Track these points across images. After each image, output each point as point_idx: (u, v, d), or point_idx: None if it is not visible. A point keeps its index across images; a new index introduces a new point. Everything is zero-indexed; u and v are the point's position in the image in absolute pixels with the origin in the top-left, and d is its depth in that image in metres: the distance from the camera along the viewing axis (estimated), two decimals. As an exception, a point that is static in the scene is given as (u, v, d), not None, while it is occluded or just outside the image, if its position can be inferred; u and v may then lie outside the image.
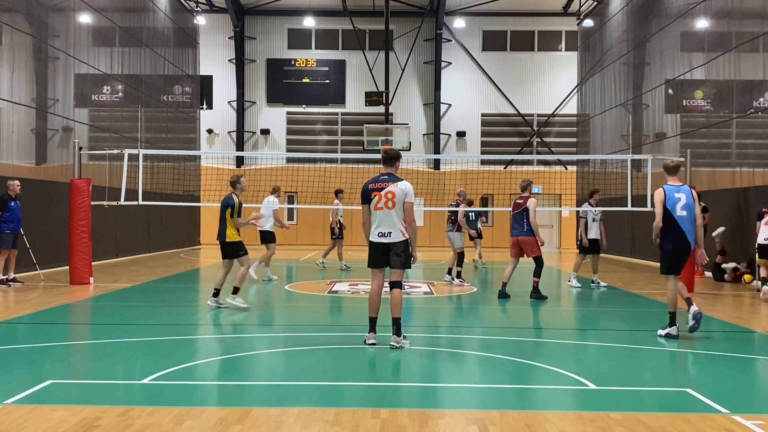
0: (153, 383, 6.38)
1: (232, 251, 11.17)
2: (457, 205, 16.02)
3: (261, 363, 7.59)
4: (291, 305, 12.75)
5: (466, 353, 8.11)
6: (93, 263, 15.17)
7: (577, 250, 15.32)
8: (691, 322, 8.89)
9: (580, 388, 6.47)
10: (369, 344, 8.13)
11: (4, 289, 13.42)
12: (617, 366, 7.75)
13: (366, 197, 8.16)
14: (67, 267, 14.98)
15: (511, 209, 13.23)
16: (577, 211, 15.87)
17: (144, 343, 8.45)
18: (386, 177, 8.19)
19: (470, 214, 17.77)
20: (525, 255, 12.94)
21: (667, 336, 8.99)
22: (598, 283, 14.98)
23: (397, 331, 8.09)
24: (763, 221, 13.52)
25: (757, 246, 13.58)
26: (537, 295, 12.84)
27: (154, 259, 22.53)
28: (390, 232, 8.05)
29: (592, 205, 14.82)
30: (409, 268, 8.24)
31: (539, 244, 12.77)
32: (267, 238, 16.20)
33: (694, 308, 8.92)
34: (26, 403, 5.63)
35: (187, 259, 22.94)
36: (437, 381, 6.82)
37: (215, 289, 11.36)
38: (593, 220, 14.76)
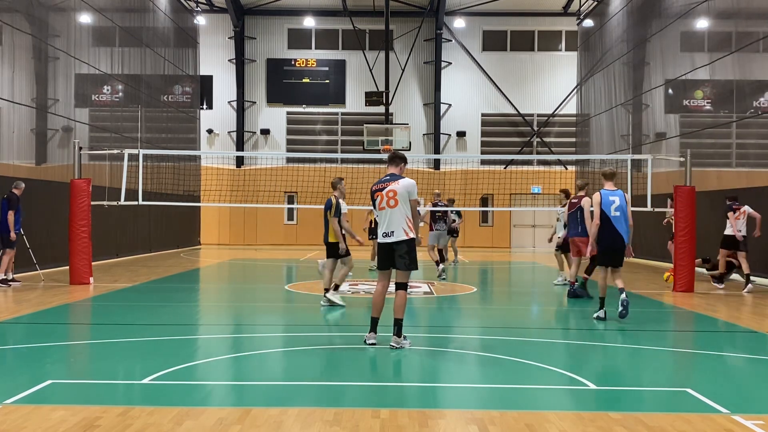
0: (153, 383, 6.38)
1: (334, 251, 11.32)
2: (435, 205, 16.98)
3: (261, 363, 7.59)
4: (291, 305, 12.75)
5: (466, 353, 8.10)
6: (93, 263, 15.17)
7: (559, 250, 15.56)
8: (620, 309, 9.96)
9: (580, 388, 6.47)
10: (369, 344, 8.08)
11: (5, 289, 13.43)
12: (617, 366, 7.75)
13: (372, 200, 8.21)
14: (67, 267, 14.98)
15: (566, 209, 13.27)
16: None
17: (144, 343, 8.45)
18: (388, 177, 8.15)
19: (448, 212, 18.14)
20: (582, 254, 12.85)
21: (597, 318, 10.20)
22: (564, 278, 15.33)
23: (398, 332, 8.02)
24: (735, 215, 14.06)
25: (723, 237, 14.24)
26: (581, 291, 12.78)
27: (154, 259, 22.53)
28: (393, 231, 7.93)
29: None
30: (416, 269, 8.14)
31: (590, 245, 12.68)
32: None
33: (622, 296, 10.00)
34: (26, 403, 5.63)
35: (187, 259, 22.94)
36: (437, 381, 6.81)
37: (325, 289, 11.49)
38: (557, 219, 15.26)
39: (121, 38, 23.24)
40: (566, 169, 31.29)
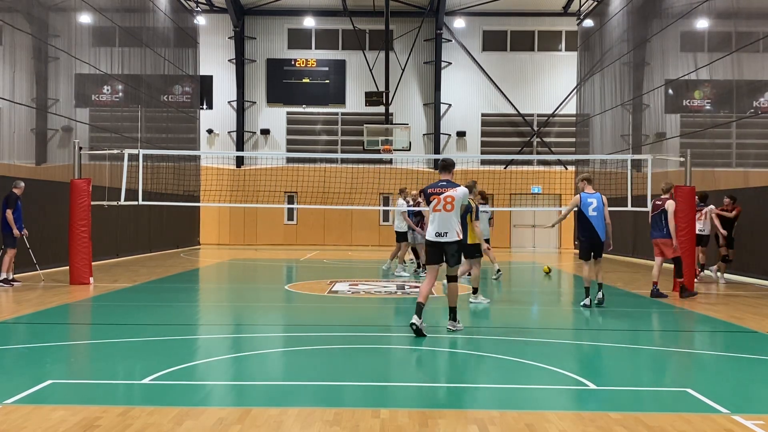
0: (153, 383, 6.38)
1: (469, 252, 11.64)
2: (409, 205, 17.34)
3: (261, 363, 7.59)
4: (291, 305, 12.75)
5: (466, 353, 8.11)
6: (93, 263, 15.16)
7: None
8: (600, 296, 11.64)
9: (580, 388, 6.47)
10: (411, 323, 8.67)
11: (5, 289, 13.43)
12: (617, 366, 7.75)
13: (426, 200, 9.06)
14: (67, 267, 14.98)
15: (650, 210, 13.45)
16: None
17: (144, 343, 8.45)
18: (444, 183, 9.03)
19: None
20: (664, 255, 13.16)
21: (583, 306, 11.56)
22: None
23: (453, 317, 9.09)
24: (697, 216, 15.04)
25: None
26: (687, 293, 12.97)
27: (154, 259, 22.53)
28: (446, 232, 8.84)
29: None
30: (459, 263, 9.07)
31: (675, 246, 13.01)
32: (400, 237, 17.14)
33: (600, 295, 11.71)
34: (26, 403, 5.64)
35: (187, 259, 22.94)
36: (437, 381, 6.82)
37: (473, 288, 12.05)
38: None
39: (121, 38, 23.24)
40: (566, 169, 31.30)
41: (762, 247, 15.72)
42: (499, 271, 16.38)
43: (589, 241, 11.70)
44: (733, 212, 15.59)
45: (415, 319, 8.67)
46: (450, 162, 9.34)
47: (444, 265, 8.98)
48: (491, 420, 5.34)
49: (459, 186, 9.03)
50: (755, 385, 6.77)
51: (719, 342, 9.44)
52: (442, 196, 8.88)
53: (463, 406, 5.91)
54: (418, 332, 8.62)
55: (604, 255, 11.95)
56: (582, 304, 11.61)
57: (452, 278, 9.07)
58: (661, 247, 13.08)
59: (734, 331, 9.82)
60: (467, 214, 11.48)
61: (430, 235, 8.93)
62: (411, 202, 17.19)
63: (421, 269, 17.07)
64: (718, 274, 15.95)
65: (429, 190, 9.03)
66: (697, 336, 9.97)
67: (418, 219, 16.84)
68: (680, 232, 14.22)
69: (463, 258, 10.67)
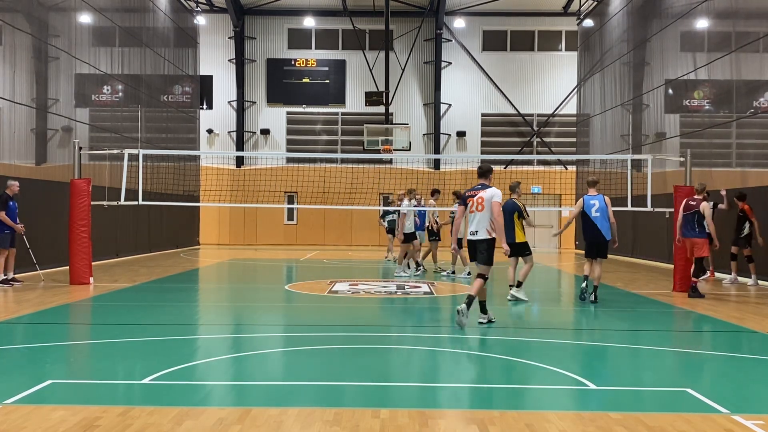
0: (153, 383, 6.38)
1: (518, 250, 12.13)
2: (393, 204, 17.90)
3: (261, 363, 7.59)
4: (291, 305, 12.75)
5: (466, 353, 8.11)
6: (93, 263, 15.16)
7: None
8: (591, 298, 12.19)
9: (580, 388, 6.47)
10: (458, 308, 9.35)
11: (5, 289, 13.43)
12: (617, 366, 7.75)
13: (463, 201, 9.90)
14: (67, 267, 14.98)
15: (681, 210, 13.53)
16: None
17: (144, 343, 8.45)
18: (479, 186, 9.81)
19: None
20: (692, 254, 13.35)
21: (581, 292, 12.31)
22: (450, 272, 16.77)
23: (483, 310, 9.76)
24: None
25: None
26: (695, 293, 13.12)
27: (154, 259, 22.53)
28: (477, 231, 9.60)
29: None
30: (491, 264, 9.60)
31: (712, 245, 13.25)
32: (407, 237, 17.11)
33: (594, 292, 12.25)
34: (26, 403, 5.63)
35: (187, 259, 22.94)
36: (437, 381, 6.82)
37: (510, 285, 12.45)
38: (436, 216, 16.91)
39: (121, 38, 23.24)
40: (566, 169, 31.29)
41: (762, 247, 15.71)
42: (469, 273, 16.40)
43: (592, 241, 12.17)
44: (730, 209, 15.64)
45: (461, 307, 9.38)
46: (486, 168, 9.97)
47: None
48: (491, 420, 5.34)
49: (491, 188, 9.67)
50: (755, 385, 6.77)
51: (719, 342, 9.44)
52: (475, 198, 9.67)
53: (463, 406, 5.91)
54: (461, 319, 9.34)
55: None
56: (581, 287, 12.40)
57: (480, 275, 9.58)
58: (694, 246, 13.26)
59: (734, 331, 9.81)
60: (514, 213, 12.03)
61: (469, 234, 9.74)
62: (415, 203, 17.22)
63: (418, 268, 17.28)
64: (753, 277, 15.45)
65: (467, 193, 9.85)
66: (697, 336, 9.97)
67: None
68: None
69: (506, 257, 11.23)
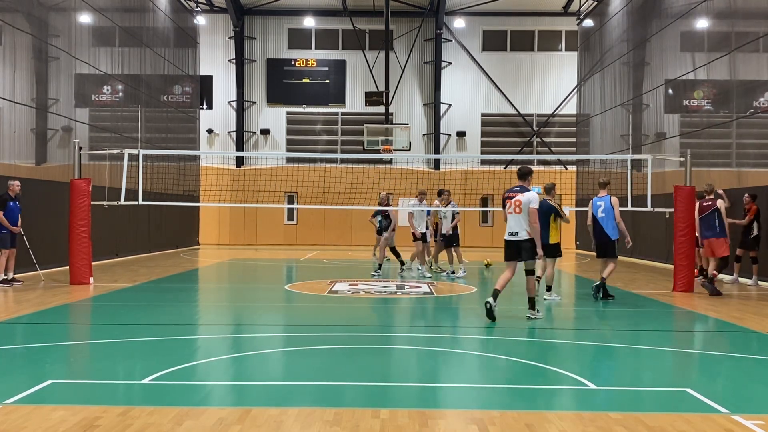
0: (153, 383, 6.38)
1: (550, 251, 12.22)
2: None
3: (261, 363, 7.59)
4: (291, 305, 12.75)
5: (466, 353, 8.11)
6: (93, 263, 15.15)
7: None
8: (593, 293, 12.60)
9: (580, 388, 6.47)
10: (486, 303, 9.86)
11: (5, 289, 13.43)
12: (617, 366, 7.75)
13: (503, 203, 10.29)
14: (67, 267, 14.98)
15: (697, 212, 13.76)
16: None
17: (144, 343, 8.45)
18: (518, 188, 10.15)
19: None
20: (714, 254, 13.58)
21: (594, 293, 12.56)
22: (458, 274, 16.49)
23: (531, 306, 10.19)
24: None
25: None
26: (712, 288, 13.34)
27: (153, 259, 22.53)
28: (517, 232, 9.96)
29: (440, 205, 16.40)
30: (538, 259, 10.18)
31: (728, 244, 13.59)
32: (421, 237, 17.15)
33: (597, 285, 12.61)
34: (26, 403, 5.64)
35: (187, 259, 22.94)
36: (437, 381, 6.82)
37: (547, 285, 12.58)
38: (443, 217, 16.44)
39: (121, 38, 23.24)
40: (566, 169, 31.29)
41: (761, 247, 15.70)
42: (453, 272, 16.70)
43: (599, 241, 12.58)
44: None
45: (490, 299, 9.85)
46: (526, 170, 10.40)
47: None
48: (491, 420, 5.34)
49: (529, 191, 10.03)
50: (755, 385, 6.77)
51: (719, 342, 9.44)
52: (513, 200, 10.01)
53: (463, 406, 5.91)
54: (490, 312, 9.75)
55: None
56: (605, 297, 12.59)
57: (528, 272, 10.12)
58: (713, 246, 13.44)
59: (734, 331, 9.82)
60: (551, 215, 12.18)
61: (506, 234, 10.11)
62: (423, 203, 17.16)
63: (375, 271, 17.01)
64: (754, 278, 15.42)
65: (505, 195, 10.22)
66: (697, 336, 9.97)
67: (388, 221, 17.03)
68: (679, 233, 14.26)
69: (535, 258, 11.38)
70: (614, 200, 12.40)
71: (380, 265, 17.19)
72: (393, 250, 17.45)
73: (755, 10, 18.74)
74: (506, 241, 10.14)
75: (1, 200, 13.79)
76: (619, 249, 12.70)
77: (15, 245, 14.12)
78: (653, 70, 23.82)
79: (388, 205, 17.48)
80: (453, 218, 16.50)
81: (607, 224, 12.35)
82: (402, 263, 17.32)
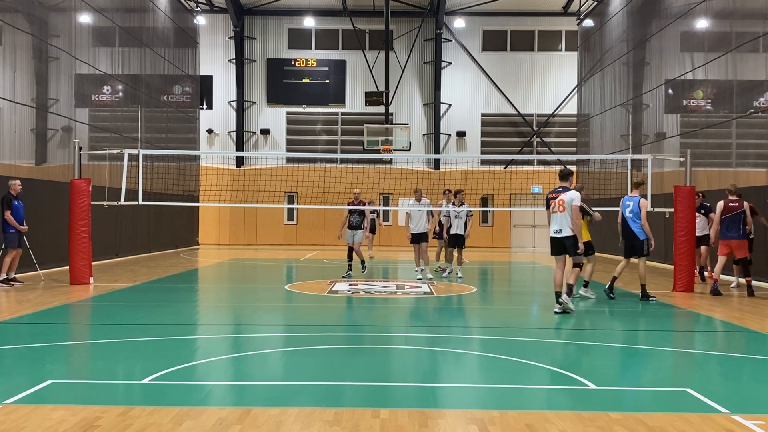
0: (153, 383, 6.38)
1: (589, 250, 12.55)
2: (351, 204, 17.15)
3: (261, 363, 7.59)
4: (291, 305, 12.75)
5: (466, 353, 8.11)
6: (93, 263, 15.16)
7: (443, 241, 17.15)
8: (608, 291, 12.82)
9: (580, 388, 6.47)
10: (555, 311, 10.68)
11: (5, 289, 13.43)
12: (617, 366, 7.75)
13: (546, 204, 11.04)
14: (67, 267, 14.98)
15: (720, 211, 13.66)
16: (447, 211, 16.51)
17: (144, 343, 8.45)
18: (561, 189, 10.92)
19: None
20: (736, 255, 13.58)
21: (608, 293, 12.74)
22: (457, 274, 16.27)
23: (569, 292, 10.84)
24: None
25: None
26: (751, 290, 13.39)
27: (154, 259, 22.53)
28: (561, 230, 10.74)
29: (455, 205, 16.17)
30: (581, 254, 10.97)
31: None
32: (421, 237, 16.71)
33: (609, 285, 12.88)
34: (26, 403, 5.63)
35: (187, 259, 22.94)
36: (437, 381, 6.82)
37: (585, 281, 12.85)
38: (456, 217, 16.08)
39: (121, 38, 23.24)
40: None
41: (761, 247, 15.69)
42: (451, 271, 16.74)
43: (627, 241, 12.72)
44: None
45: (557, 307, 10.69)
46: (567, 172, 11.22)
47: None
48: (491, 420, 5.34)
49: (571, 190, 10.82)
50: (755, 385, 6.77)
51: (719, 342, 9.44)
52: (557, 200, 10.78)
53: (463, 406, 5.91)
54: (565, 311, 10.65)
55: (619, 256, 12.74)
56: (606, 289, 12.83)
57: (575, 264, 11.08)
58: (736, 247, 13.37)
59: (734, 331, 9.82)
60: (581, 214, 12.19)
61: (550, 232, 10.90)
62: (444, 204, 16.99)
63: (359, 270, 16.62)
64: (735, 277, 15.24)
65: (549, 195, 11.01)
66: (697, 336, 9.97)
67: (362, 218, 16.29)
68: (680, 233, 14.25)
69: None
70: (643, 202, 12.47)
71: (363, 262, 16.75)
72: (351, 249, 16.61)
73: (754, 10, 18.74)
74: (552, 238, 10.92)
75: (6, 200, 13.80)
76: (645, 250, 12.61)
77: (22, 245, 14.12)
78: (653, 70, 23.82)
79: (362, 203, 16.71)
80: (466, 219, 16.29)
81: (633, 225, 12.48)
82: (352, 266, 16.66)
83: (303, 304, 12.59)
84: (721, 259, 13.58)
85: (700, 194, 15.56)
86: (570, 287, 10.90)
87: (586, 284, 12.87)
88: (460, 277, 16.14)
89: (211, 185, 27.59)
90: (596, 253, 13.33)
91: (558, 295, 10.74)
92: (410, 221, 16.19)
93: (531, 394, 6.40)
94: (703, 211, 15.34)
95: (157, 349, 8.14)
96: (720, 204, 13.62)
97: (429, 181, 30.62)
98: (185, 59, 28.85)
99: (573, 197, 10.70)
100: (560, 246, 10.85)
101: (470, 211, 16.47)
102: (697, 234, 14.77)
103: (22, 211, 14.09)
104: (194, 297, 14.49)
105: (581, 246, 10.71)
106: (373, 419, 5.32)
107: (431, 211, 16.70)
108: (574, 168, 30.88)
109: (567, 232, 10.72)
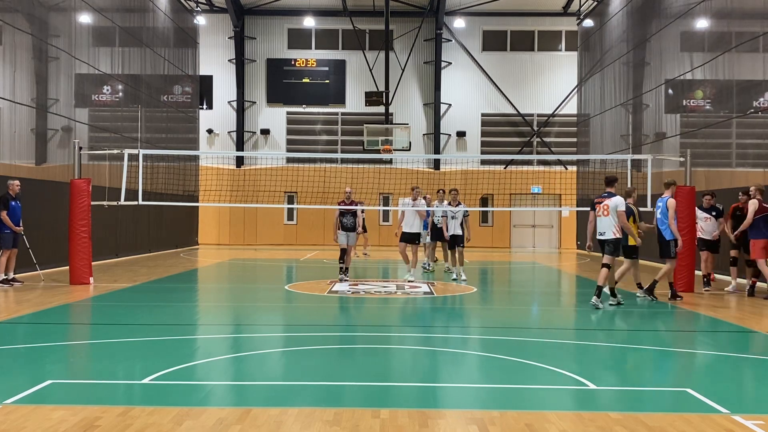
0: (153, 383, 6.38)
1: (628, 252, 12.77)
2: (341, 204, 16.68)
3: (261, 363, 7.59)
4: (291, 305, 12.75)
5: (466, 353, 8.11)
6: (93, 263, 15.16)
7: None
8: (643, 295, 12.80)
9: (580, 388, 6.47)
10: (592, 304, 11.44)
11: (5, 289, 13.43)
12: (617, 366, 7.75)
13: (592, 206, 11.97)
14: (67, 267, 14.98)
15: (755, 212, 13.43)
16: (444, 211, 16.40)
17: (144, 343, 8.45)
18: (606, 194, 11.71)
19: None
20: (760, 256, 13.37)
21: (646, 295, 12.67)
22: (461, 276, 15.78)
23: (598, 294, 11.45)
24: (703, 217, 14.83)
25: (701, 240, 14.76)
26: (752, 290, 13.57)
27: (153, 259, 22.53)
28: (604, 233, 11.58)
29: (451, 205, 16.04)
30: (618, 255, 11.73)
31: None
32: (434, 235, 17.42)
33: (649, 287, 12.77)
34: (26, 403, 5.64)
35: (187, 259, 22.94)
36: (437, 381, 6.82)
37: (636, 283, 13.10)
38: (452, 217, 15.93)
39: (121, 38, 23.24)
40: (566, 169, 31.29)
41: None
42: (447, 270, 16.97)
43: (657, 241, 12.86)
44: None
45: (596, 302, 11.37)
46: (612, 178, 11.97)
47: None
48: (491, 420, 5.34)
49: (615, 196, 11.56)
50: (755, 385, 6.77)
51: (719, 342, 9.44)
52: (601, 205, 11.55)
53: (463, 406, 5.91)
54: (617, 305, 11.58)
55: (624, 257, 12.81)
56: (642, 295, 12.78)
57: (604, 265, 11.52)
58: (755, 247, 13.19)
59: (734, 331, 9.82)
60: (630, 217, 12.34)
61: (597, 235, 11.69)
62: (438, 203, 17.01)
63: (343, 273, 15.53)
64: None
65: (596, 200, 11.81)
66: (697, 336, 9.97)
67: (355, 219, 15.59)
68: (681, 233, 14.21)
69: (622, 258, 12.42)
70: (671, 202, 12.59)
71: (347, 268, 15.74)
72: (344, 251, 15.66)
73: (754, 10, 18.74)
74: (598, 240, 11.71)
75: (3, 200, 13.80)
76: (672, 251, 12.52)
77: (17, 245, 14.12)
78: (653, 70, 23.82)
79: (354, 203, 15.95)
80: (462, 218, 16.07)
81: (661, 225, 12.68)
82: (345, 270, 15.82)
83: (303, 304, 12.59)
84: (761, 263, 13.11)
85: (711, 195, 14.86)
86: (599, 290, 11.45)
87: (639, 285, 12.97)
88: (464, 279, 15.76)
89: (211, 185, 27.59)
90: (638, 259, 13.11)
91: (612, 291, 11.65)
92: (404, 219, 15.95)
93: (531, 394, 6.40)
94: (714, 213, 14.65)
95: (157, 349, 8.14)
96: (755, 203, 13.23)
97: (429, 181, 30.62)
98: (185, 59, 28.85)
99: (617, 203, 11.44)
100: (604, 247, 11.60)
101: (467, 211, 16.21)
102: (705, 237, 14.47)
103: (20, 211, 14.08)
104: (194, 297, 14.49)
105: (639, 241, 11.71)
106: (373, 419, 5.33)
107: (426, 212, 16.55)
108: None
109: (609, 236, 11.50)
